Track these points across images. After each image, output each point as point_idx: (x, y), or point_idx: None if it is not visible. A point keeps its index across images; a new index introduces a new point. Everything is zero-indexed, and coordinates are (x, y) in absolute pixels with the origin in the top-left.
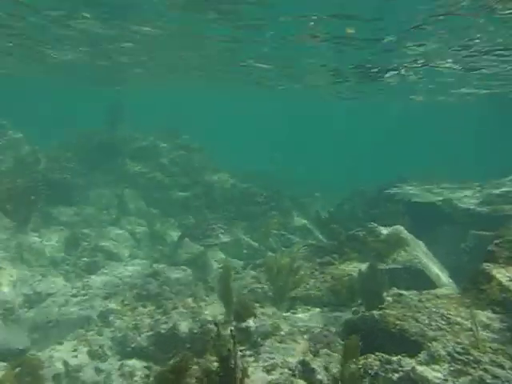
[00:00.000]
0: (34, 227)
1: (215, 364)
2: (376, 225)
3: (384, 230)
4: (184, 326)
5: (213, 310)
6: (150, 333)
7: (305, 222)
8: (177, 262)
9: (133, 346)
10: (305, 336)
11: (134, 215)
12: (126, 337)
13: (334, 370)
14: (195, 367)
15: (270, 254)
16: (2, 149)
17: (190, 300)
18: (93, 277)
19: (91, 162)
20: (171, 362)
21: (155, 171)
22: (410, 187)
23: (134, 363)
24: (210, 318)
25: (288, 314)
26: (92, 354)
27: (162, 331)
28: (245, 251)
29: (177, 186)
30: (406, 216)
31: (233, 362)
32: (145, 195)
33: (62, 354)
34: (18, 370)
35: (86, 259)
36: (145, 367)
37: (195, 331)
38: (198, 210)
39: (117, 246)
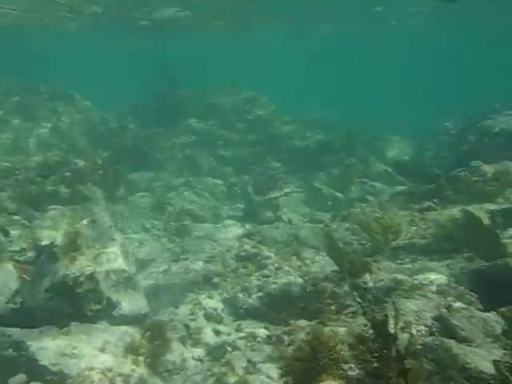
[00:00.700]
0: (121, 195)
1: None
2: (480, 163)
3: (489, 168)
4: (295, 285)
5: (320, 267)
6: (260, 293)
7: (385, 167)
8: (264, 220)
9: (245, 307)
10: (432, 288)
11: (209, 175)
12: (235, 299)
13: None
14: (340, 329)
15: (356, 203)
16: (75, 119)
17: (294, 258)
18: (186, 240)
19: (158, 124)
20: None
21: (223, 128)
22: (508, 117)
23: (251, 324)
24: (320, 276)
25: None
26: (208, 317)
27: (273, 291)
28: (329, 203)
29: (246, 142)
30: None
31: (389, 328)
32: (214, 154)
33: (181, 318)
34: (148, 333)
35: (173, 223)
36: (264, 328)
37: (308, 290)
38: (270, 165)
39: (201, 208)
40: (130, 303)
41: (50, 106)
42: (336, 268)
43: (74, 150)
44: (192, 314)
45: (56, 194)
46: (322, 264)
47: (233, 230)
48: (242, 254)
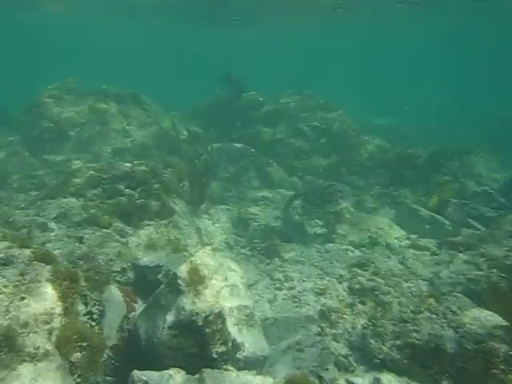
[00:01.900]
0: (204, 209)
1: None
2: None
3: None
4: (447, 339)
5: (473, 318)
6: (398, 342)
7: (482, 186)
8: (357, 243)
9: (381, 357)
10: None
11: (281, 187)
12: (365, 344)
13: None
14: None
15: (464, 229)
16: (145, 123)
17: (431, 300)
18: (286, 264)
19: (222, 132)
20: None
21: (291, 136)
22: None
23: (391, 379)
24: (480, 331)
25: None
26: (339, 365)
27: (417, 342)
28: (427, 226)
29: (318, 151)
30: None
31: None
32: (284, 163)
33: (309, 364)
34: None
35: (258, 240)
36: None
37: (468, 347)
38: (344, 177)
39: (285, 224)
40: (251, 344)
41: (120, 108)
42: (502, 322)
43: (146, 157)
44: (322, 362)
45: (145, 208)
46: (476, 315)
47: (338, 254)
48: (357, 286)
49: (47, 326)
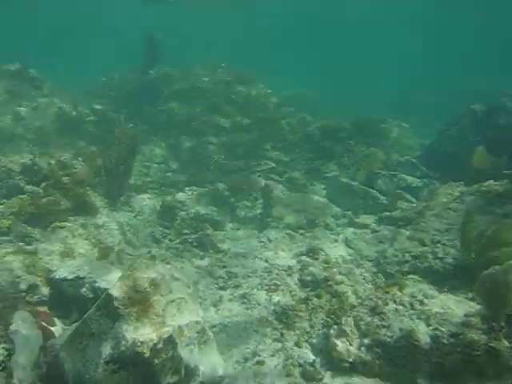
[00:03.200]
0: (124, 200)
1: None
2: None
3: None
4: (422, 334)
5: (441, 306)
6: (366, 341)
7: (405, 156)
8: (294, 223)
9: (350, 360)
10: None
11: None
12: (330, 346)
13: None
14: None
15: (399, 201)
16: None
17: (395, 290)
18: (225, 258)
19: (132, 108)
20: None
21: (208, 112)
22: None
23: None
24: (455, 321)
25: None
26: (306, 376)
27: (388, 340)
28: (361, 200)
29: (237, 127)
30: None
31: None
32: (203, 141)
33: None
34: None
35: (188, 231)
36: None
37: (445, 341)
38: (268, 154)
39: (216, 211)
40: (206, 365)
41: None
42: (475, 310)
43: (44, 144)
44: (288, 373)
45: (54, 206)
46: (444, 302)
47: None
48: (308, 278)
49: None
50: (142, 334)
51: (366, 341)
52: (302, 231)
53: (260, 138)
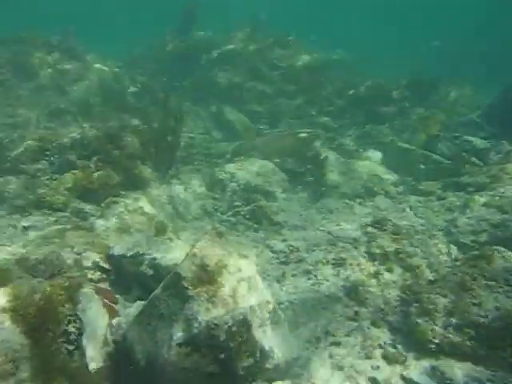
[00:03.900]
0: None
1: None
2: None
3: None
4: None
5: None
6: (454, 320)
7: (466, 116)
8: (351, 193)
9: (436, 340)
10: None
11: (247, 137)
12: (411, 326)
13: None
14: None
15: (467, 166)
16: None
17: (483, 263)
18: (283, 231)
19: (171, 77)
20: None
21: (250, 79)
22: None
23: (453, 368)
24: None
25: None
26: (386, 357)
27: (481, 319)
28: (422, 166)
29: (282, 93)
30: None
31: None
32: (245, 110)
33: (356, 364)
34: None
35: (239, 203)
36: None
37: None
38: (315, 120)
39: (266, 181)
40: (280, 347)
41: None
42: None
43: (88, 117)
44: (368, 355)
45: (106, 180)
46: None
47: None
48: (377, 251)
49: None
50: (215, 316)
51: (453, 320)
52: (359, 200)
53: (305, 103)
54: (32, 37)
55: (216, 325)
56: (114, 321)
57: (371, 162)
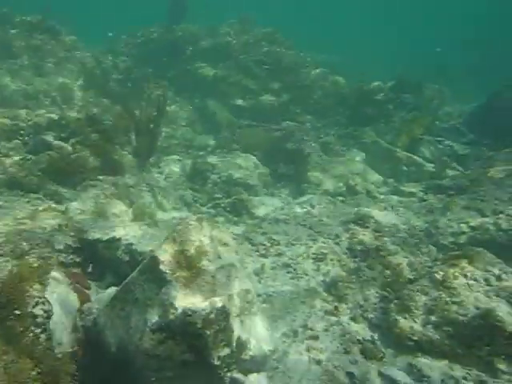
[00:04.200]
0: (153, 161)
1: None
2: None
3: None
4: (498, 312)
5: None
6: (434, 318)
7: (449, 121)
8: (332, 191)
9: (415, 338)
10: None
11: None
12: (390, 322)
13: None
14: None
15: (447, 170)
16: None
17: (464, 263)
18: (264, 224)
19: (155, 67)
20: None
21: (235, 74)
22: None
23: (430, 366)
24: None
25: None
26: (364, 352)
27: (460, 318)
28: (404, 168)
29: (267, 89)
30: None
31: None
32: (228, 104)
33: (335, 358)
34: None
35: (220, 195)
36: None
37: None
38: (299, 118)
39: (247, 175)
40: (257, 338)
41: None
42: None
43: (69, 100)
44: (347, 350)
45: (83, 164)
46: None
47: (322, 207)
48: (359, 247)
49: None
50: (192, 302)
51: (432, 318)
52: (341, 198)
53: (290, 101)
54: (10, 14)
55: (193, 311)
56: (85, 306)
57: (354, 161)
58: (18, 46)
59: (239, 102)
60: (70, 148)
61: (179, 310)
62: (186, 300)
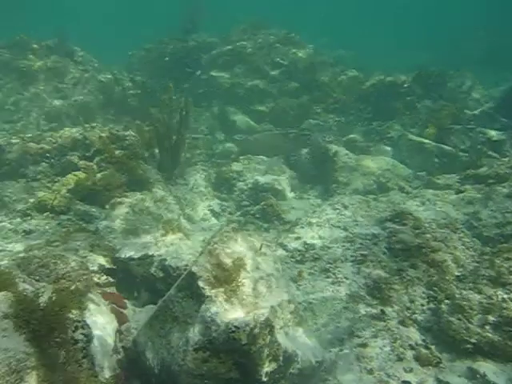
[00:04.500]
0: (177, 173)
1: None
2: None
3: None
4: None
5: None
6: (491, 317)
7: (479, 107)
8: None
9: (472, 340)
10: None
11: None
12: (443, 324)
13: None
14: None
15: (483, 158)
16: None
17: (509, 255)
18: (297, 229)
19: (171, 79)
20: None
21: (253, 79)
22: None
23: (494, 371)
24: None
25: None
26: (418, 358)
27: None
28: (436, 160)
29: (285, 92)
30: None
31: None
32: (247, 110)
33: (387, 367)
34: None
35: (248, 202)
36: None
37: None
38: (320, 117)
39: (275, 180)
40: (303, 349)
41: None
42: None
43: (90, 120)
44: (400, 356)
45: (110, 181)
46: None
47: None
48: (398, 246)
49: None
50: (235, 317)
51: (490, 318)
52: (372, 196)
53: (310, 101)
54: (27, 40)
55: (236, 327)
56: (124, 326)
57: (382, 157)
58: (37, 69)
59: (258, 106)
60: (95, 166)
61: (222, 327)
62: (228, 315)
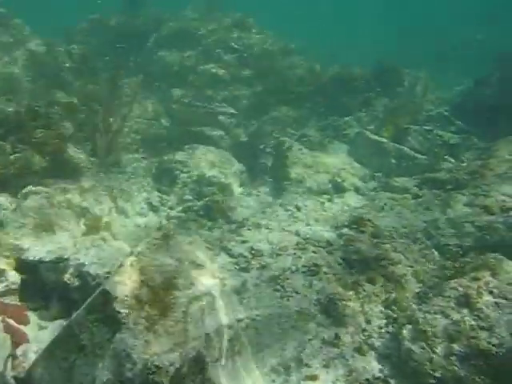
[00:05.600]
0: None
1: None
2: None
3: None
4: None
5: None
6: (457, 347)
7: (436, 109)
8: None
9: (436, 374)
10: None
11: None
12: (403, 353)
13: None
14: None
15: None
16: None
17: (487, 275)
18: (243, 230)
19: (115, 56)
20: None
21: (204, 62)
22: None
23: None
24: None
25: None
26: None
27: (492, 348)
28: (393, 161)
29: (238, 79)
30: None
31: None
32: (199, 96)
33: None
34: None
35: (191, 197)
36: None
37: None
38: (272, 108)
39: (221, 172)
40: None
41: None
42: None
43: (15, 93)
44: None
45: (26, 165)
46: None
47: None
48: (354, 257)
49: None
50: (157, 352)
51: (456, 347)
52: (327, 196)
53: (264, 91)
54: None
55: (157, 367)
56: (20, 349)
57: (337, 154)
58: None
59: (208, 92)
60: (8, 147)
61: (138, 365)
62: (149, 350)
